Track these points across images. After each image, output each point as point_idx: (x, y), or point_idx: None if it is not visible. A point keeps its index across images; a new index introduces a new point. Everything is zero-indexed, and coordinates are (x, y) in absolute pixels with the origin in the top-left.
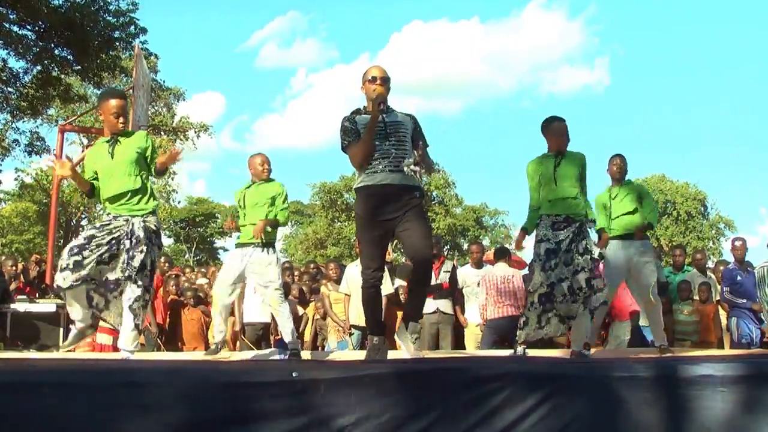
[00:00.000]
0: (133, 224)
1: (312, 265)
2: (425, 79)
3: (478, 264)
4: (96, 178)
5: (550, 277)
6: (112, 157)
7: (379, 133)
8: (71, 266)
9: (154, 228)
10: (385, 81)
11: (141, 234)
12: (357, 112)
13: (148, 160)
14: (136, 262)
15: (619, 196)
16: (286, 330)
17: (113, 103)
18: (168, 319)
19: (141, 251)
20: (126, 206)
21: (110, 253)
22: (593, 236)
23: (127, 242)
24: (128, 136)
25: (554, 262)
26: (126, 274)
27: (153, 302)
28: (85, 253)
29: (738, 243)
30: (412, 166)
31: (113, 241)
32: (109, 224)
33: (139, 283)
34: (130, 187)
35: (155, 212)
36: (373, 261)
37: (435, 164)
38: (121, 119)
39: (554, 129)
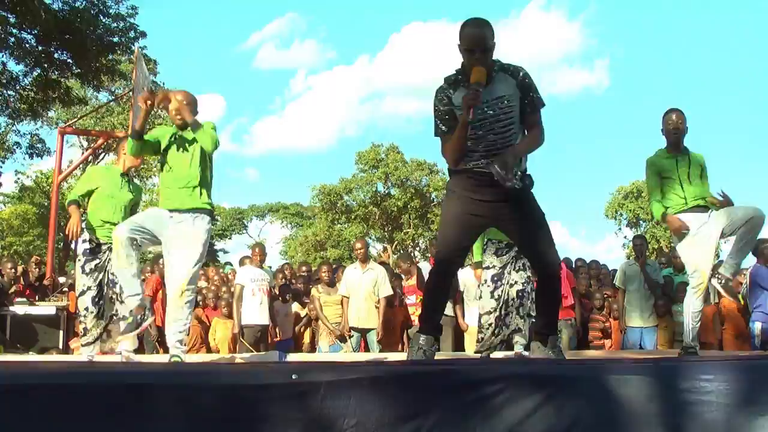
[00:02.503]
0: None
1: (304, 268)
2: (424, 80)
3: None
4: (88, 195)
5: (499, 301)
6: (121, 190)
7: (476, 120)
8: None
9: None
10: (486, 51)
11: None
12: (456, 82)
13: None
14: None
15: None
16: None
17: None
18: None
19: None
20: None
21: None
22: None
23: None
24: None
25: (501, 290)
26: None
27: (152, 305)
28: (100, 302)
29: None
30: (498, 170)
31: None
32: (97, 261)
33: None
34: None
35: None
36: (446, 244)
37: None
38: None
39: None
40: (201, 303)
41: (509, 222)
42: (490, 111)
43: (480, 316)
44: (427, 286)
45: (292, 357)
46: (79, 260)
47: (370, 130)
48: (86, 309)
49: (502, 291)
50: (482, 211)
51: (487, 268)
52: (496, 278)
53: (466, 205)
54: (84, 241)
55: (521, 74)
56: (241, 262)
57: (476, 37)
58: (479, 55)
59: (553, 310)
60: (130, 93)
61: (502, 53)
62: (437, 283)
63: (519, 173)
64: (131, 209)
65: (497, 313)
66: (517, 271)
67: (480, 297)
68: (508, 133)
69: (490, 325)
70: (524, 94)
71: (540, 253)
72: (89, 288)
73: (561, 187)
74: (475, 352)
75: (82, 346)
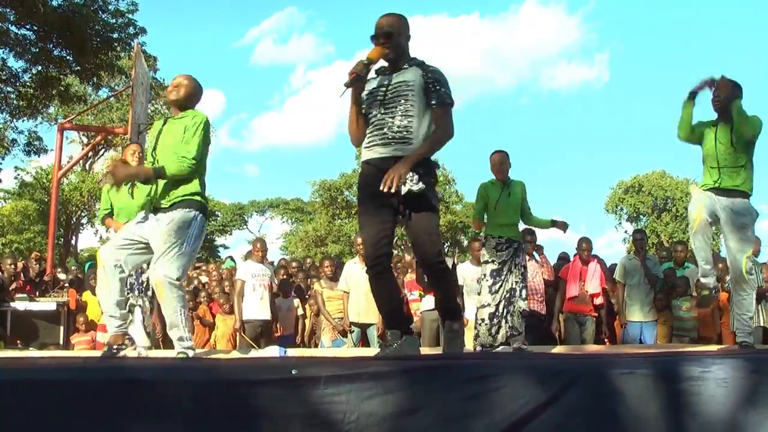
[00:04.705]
0: None
1: (309, 260)
2: None
3: (479, 261)
4: (111, 210)
5: (495, 298)
6: (132, 198)
7: (376, 100)
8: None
9: None
10: (387, 37)
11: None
12: (379, 71)
13: None
14: (144, 285)
15: (719, 135)
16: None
17: (130, 149)
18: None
19: (147, 278)
20: None
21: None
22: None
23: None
24: None
25: (499, 286)
26: (141, 296)
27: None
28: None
29: None
30: (412, 183)
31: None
32: None
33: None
34: None
35: None
36: (371, 245)
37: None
38: (135, 162)
39: (492, 162)
40: (206, 300)
41: (407, 217)
42: (390, 95)
43: (477, 309)
44: (372, 288)
45: (293, 352)
46: None
47: None
48: None
49: (500, 287)
50: (382, 207)
51: (487, 262)
52: (495, 273)
53: (372, 200)
54: None
55: (430, 69)
56: (246, 258)
57: (378, 25)
58: (382, 40)
59: (446, 300)
60: (130, 89)
61: (502, 47)
62: (377, 282)
63: (416, 177)
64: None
65: (492, 309)
66: (518, 268)
67: (479, 292)
68: (408, 115)
69: (482, 320)
70: (428, 84)
71: (425, 254)
72: None
73: (561, 182)
74: (474, 348)
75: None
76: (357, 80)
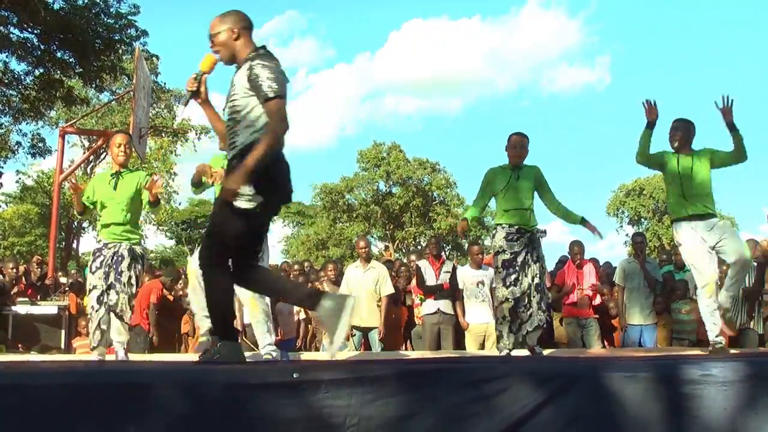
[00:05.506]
0: (120, 247)
1: (306, 264)
2: (425, 77)
3: (479, 265)
4: (93, 202)
5: (514, 292)
6: (115, 189)
7: (224, 108)
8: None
9: (140, 252)
10: (214, 37)
11: (125, 254)
12: None
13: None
14: (124, 277)
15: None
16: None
17: (117, 139)
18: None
19: (127, 268)
20: (115, 234)
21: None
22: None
23: (113, 263)
24: (131, 172)
25: (514, 278)
26: (117, 289)
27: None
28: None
29: None
30: (242, 200)
31: (107, 269)
32: (100, 257)
33: (125, 292)
34: (124, 219)
35: (141, 242)
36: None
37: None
38: (121, 153)
39: (510, 143)
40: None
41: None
42: (228, 100)
43: (495, 308)
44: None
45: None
46: (90, 260)
47: (370, 128)
48: (92, 308)
49: (518, 279)
50: None
51: (498, 253)
52: (507, 264)
53: None
54: (98, 241)
55: (254, 62)
56: None
57: (211, 23)
58: (211, 43)
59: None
60: (131, 93)
61: (503, 49)
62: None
63: (250, 193)
64: (137, 201)
65: (512, 304)
66: (535, 262)
67: (493, 286)
68: (234, 125)
69: (503, 317)
70: (251, 81)
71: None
72: (95, 287)
73: (562, 185)
74: (499, 350)
75: (92, 349)
76: (193, 96)
